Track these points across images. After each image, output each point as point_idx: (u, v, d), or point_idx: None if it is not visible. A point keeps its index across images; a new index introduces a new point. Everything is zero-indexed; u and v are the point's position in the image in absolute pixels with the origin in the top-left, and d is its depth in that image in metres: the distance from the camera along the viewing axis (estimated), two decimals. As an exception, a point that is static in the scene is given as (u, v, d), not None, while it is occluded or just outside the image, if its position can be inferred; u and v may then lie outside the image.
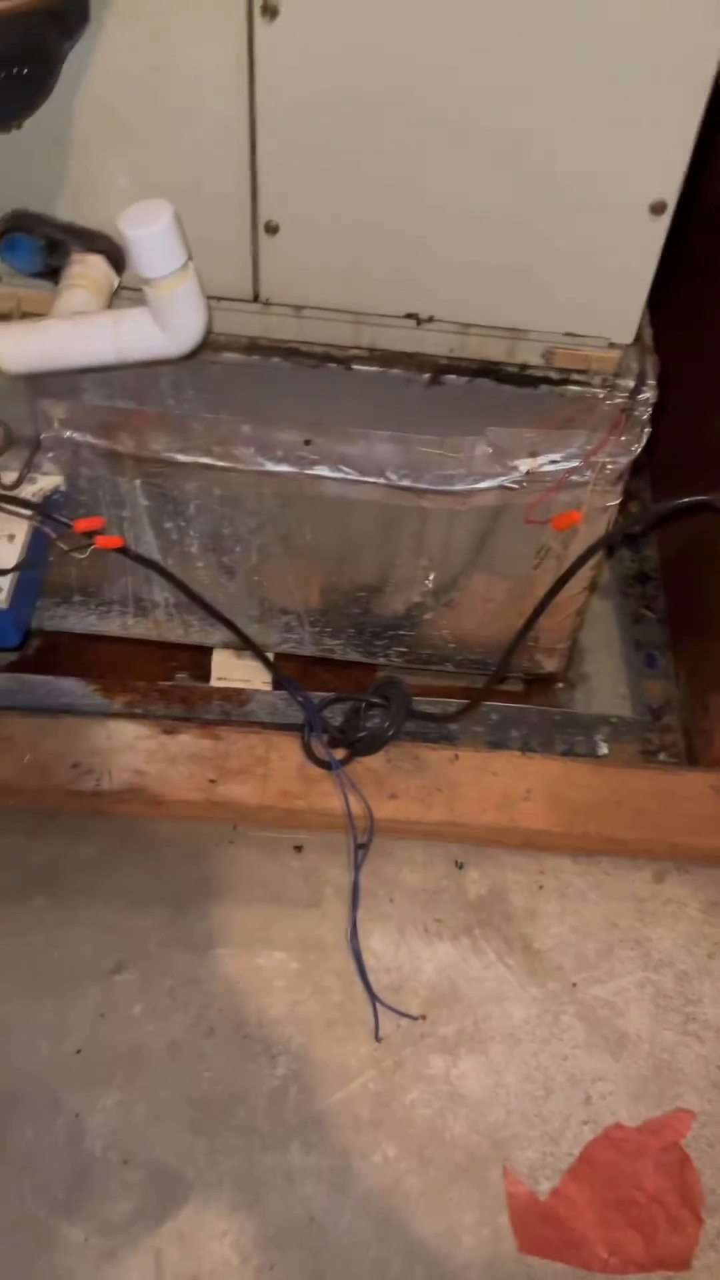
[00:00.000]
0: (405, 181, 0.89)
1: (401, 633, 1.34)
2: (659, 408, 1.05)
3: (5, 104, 0.75)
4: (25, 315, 1.00)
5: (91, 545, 1.04)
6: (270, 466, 1.10)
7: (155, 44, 0.82)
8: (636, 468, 1.13)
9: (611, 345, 0.99)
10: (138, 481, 1.15)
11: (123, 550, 1.08)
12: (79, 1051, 1.13)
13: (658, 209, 0.88)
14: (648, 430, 1.06)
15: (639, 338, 1.00)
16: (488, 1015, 1.17)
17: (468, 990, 1.19)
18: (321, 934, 1.21)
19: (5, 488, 1.08)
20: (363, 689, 1.30)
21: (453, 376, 1.03)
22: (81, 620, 1.36)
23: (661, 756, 1.40)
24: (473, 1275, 1.04)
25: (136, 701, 1.35)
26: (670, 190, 0.87)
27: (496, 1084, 1.13)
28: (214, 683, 1.40)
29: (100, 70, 0.83)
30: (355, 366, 1.03)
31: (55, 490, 1.15)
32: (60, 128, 0.87)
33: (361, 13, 0.79)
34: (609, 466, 1.08)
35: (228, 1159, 1.08)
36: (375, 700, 1.27)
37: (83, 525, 1.03)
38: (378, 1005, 1.16)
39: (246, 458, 1.10)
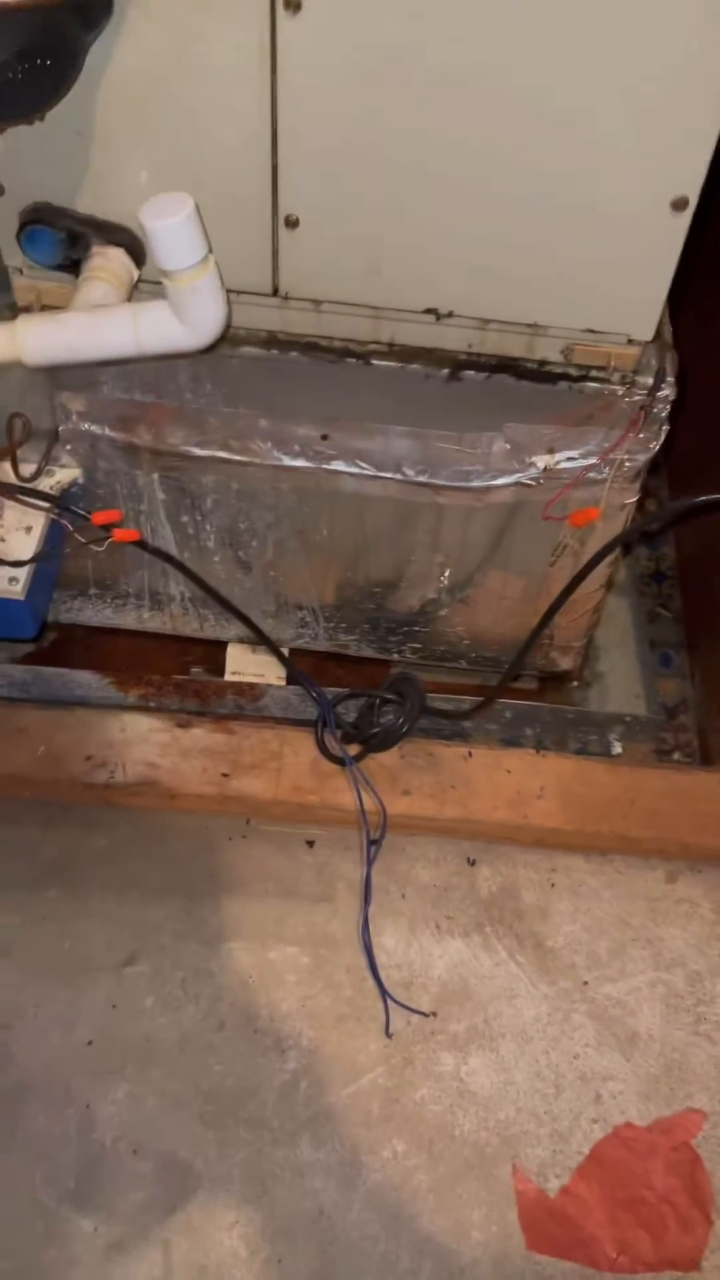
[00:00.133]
0: (426, 176, 0.89)
1: (416, 629, 1.34)
2: (678, 405, 1.04)
3: (28, 96, 0.75)
4: (45, 308, 1.00)
5: (109, 538, 1.05)
6: (287, 461, 1.10)
7: (177, 37, 0.82)
8: (654, 466, 1.13)
9: (631, 342, 0.99)
10: (155, 475, 1.16)
11: (140, 544, 1.08)
12: (90, 1042, 1.13)
13: (679, 205, 0.88)
14: (666, 428, 1.06)
15: (659, 334, 1.00)
16: (498, 1013, 1.17)
17: (478, 987, 1.19)
18: (333, 929, 1.21)
19: (23, 480, 1.08)
20: (377, 685, 1.29)
21: (471, 372, 1.03)
22: (97, 613, 1.36)
23: (676, 756, 1.39)
24: (481, 1272, 1.04)
25: (151, 695, 1.36)
26: (692, 186, 0.87)
27: (506, 1081, 1.13)
28: (228, 677, 1.40)
29: (122, 63, 0.83)
30: (374, 361, 1.03)
31: (73, 483, 1.15)
32: (82, 121, 0.87)
33: (384, 7, 0.79)
34: (627, 464, 1.08)
35: (237, 1151, 1.08)
36: (389, 696, 1.27)
37: (100, 518, 1.04)
38: (388, 1001, 1.16)
39: (264, 452, 1.10)
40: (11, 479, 1.07)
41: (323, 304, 0.99)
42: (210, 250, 0.85)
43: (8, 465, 1.07)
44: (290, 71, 0.83)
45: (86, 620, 1.37)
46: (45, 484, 1.12)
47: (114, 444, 1.12)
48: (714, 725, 1.38)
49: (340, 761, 1.24)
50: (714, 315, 1.39)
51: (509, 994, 1.18)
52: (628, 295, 0.95)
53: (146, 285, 0.97)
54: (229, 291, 0.95)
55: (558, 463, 1.08)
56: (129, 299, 0.95)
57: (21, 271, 0.99)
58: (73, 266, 0.95)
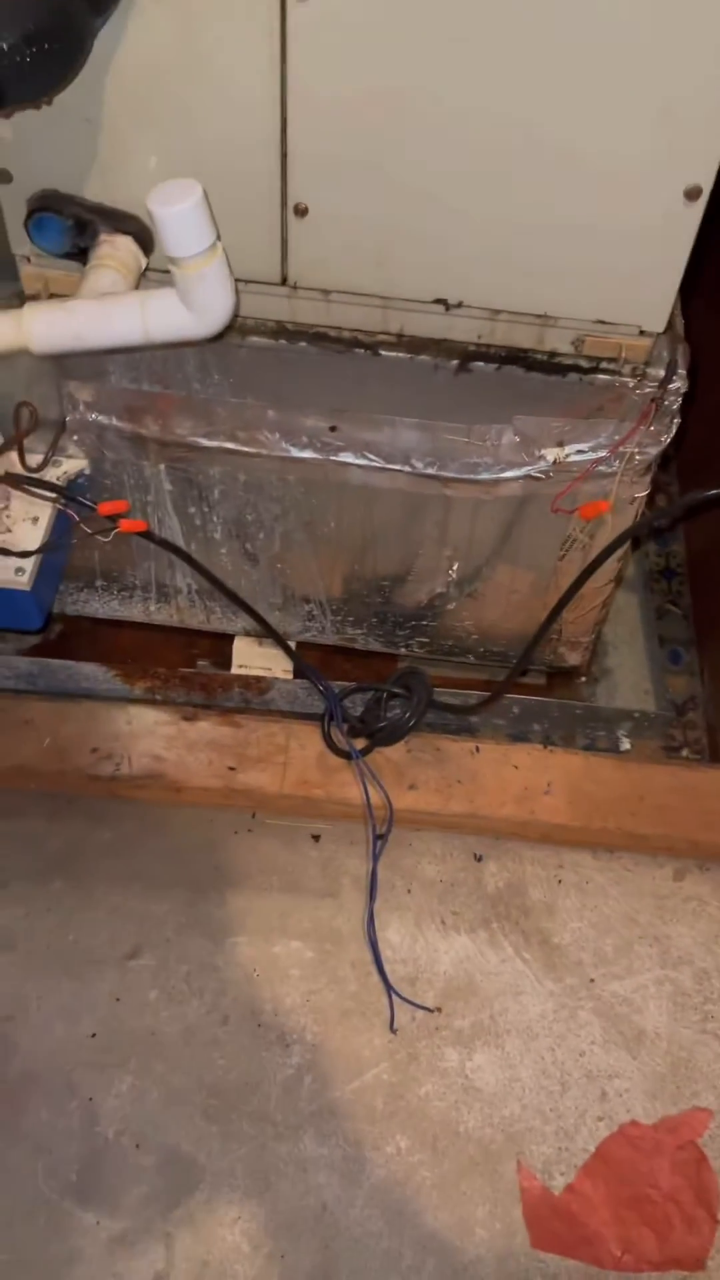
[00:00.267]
0: (437, 164, 0.88)
1: (424, 623, 1.33)
2: (689, 398, 1.03)
3: (35, 81, 0.74)
4: (53, 296, 1.00)
5: (115, 529, 1.04)
6: (295, 452, 1.10)
7: (186, 22, 0.81)
8: (665, 460, 1.12)
9: (642, 333, 0.98)
10: (162, 466, 1.15)
11: (147, 534, 1.08)
12: (94, 1035, 1.13)
13: (693, 194, 0.87)
14: (677, 421, 1.05)
15: (670, 326, 0.99)
16: (504, 1009, 1.16)
17: (484, 984, 1.18)
18: (338, 924, 1.20)
19: (30, 470, 1.08)
20: (384, 679, 1.29)
21: (481, 363, 1.02)
22: (103, 605, 1.36)
23: (684, 753, 1.39)
24: (485, 1269, 1.03)
25: (157, 687, 1.35)
26: (706, 176, 0.86)
27: (511, 1078, 1.13)
28: (235, 670, 1.39)
29: (131, 49, 0.83)
30: (383, 352, 1.02)
31: (80, 474, 1.15)
32: (90, 107, 0.86)
33: (396, -8, 0.78)
34: (637, 457, 1.07)
35: (240, 1146, 1.08)
36: (396, 690, 1.26)
37: (107, 508, 1.03)
38: (393, 996, 1.15)
39: (271, 443, 1.09)
40: (18, 469, 1.07)
41: (331, 293, 0.98)
42: (218, 237, 0.85)
43: (14, 455, 1.07)
44: (300, 57, 0.82)
45: (93, 612, 1.37)
46: (52, 474, 1.12)
47: (121, 434, 1.11)
48: (723, 722, 1.37)
49: (347, 755, 1.24)
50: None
51: (515, 990, 1.18)
52: (639, 286, 0.95)
53: (154, 274, 0.97)
54: (237, 280, 0.94)
55: (567, 456, 1.07)
56: (137, 287, 0.94)
57: (29, 259, 0.98)
58: (80, 255, 0.94)
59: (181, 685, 1.36)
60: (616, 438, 1.06)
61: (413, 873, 1.24)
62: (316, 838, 1.27)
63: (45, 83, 0.76)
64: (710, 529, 1.50)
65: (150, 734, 1.26)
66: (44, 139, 0.89)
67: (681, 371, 1.01)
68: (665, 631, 1.50)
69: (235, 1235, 1.04)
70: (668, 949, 1.21)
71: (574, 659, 1.37)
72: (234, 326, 1.00)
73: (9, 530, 1.08)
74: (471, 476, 1.10)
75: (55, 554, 1.12)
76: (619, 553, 1.12)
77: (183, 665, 1.40)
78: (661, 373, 1.01)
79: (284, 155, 0.88)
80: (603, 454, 1.06)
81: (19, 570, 1.07)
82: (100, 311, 0.88)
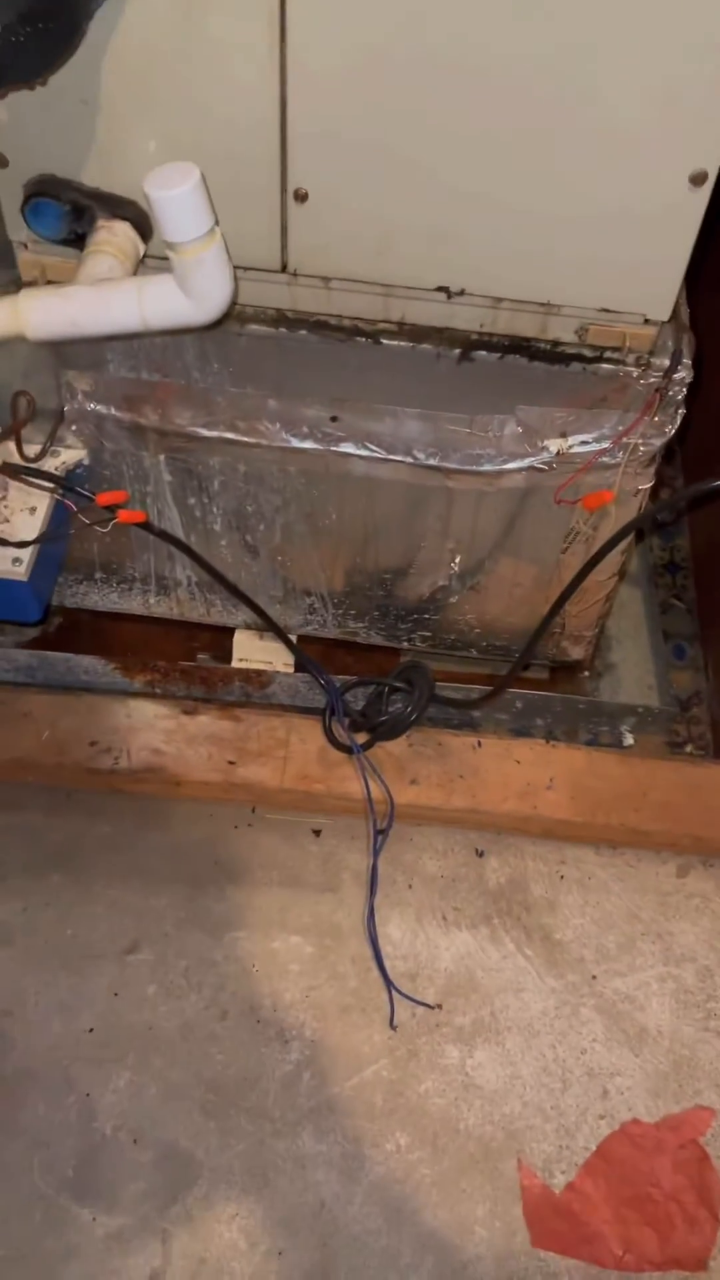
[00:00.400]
0: (439, 149, 0.87)
1: (426, 617, 1.32)
2: (694, 388, 1.02)
3: (30, 60, 0.73)
4: (50, 284, 0.98)
5: (114, 519, 1.03)
6: (295, 443, 1.08)
7: (185, 3, 0.80)
8: (669, 453, 1.11)
9: (647, 321, 0.97)
10: (161, 456, 1.14)
11: (145, 525, 1.06)
12: (91, 1030, 1.12)
13: (698, 180, 0.85)
14: (682, 411, 1.04)
15: (675, 315, 0.98)
16: (505, 1006, 1.15)
17: (485, 980, 1.17)
18: (338, 919, 1.19)
19: (28, 460, 1.07)
20: (386, 673, 1.28)
21: (483, 352, 1.01)
22: (103, 598, 1.35)
23: (688, 749, 1.37)
24: (484, 1268, 1.02)
25: (157, 681, 1.34)
26: (712, 160, 0.84)
27: (512, 1075, 1.12)
28: (235, 664, 1.38)
29: (128, 29, 0.81)
30: (384, 341, 1.01)
31: (78, 464, 1.14)
32: (87, 89, 0.85)
33: (397, -28, 0.77)
34: (641, 448, 1.06)
35: (239, 1142, 1.07)
36: (398, 685, 1.25)
37: (105, 499, 1.02)
38: (393, 992, 1.15)
39: (271, 433, 1.08)
40: (16, 459, 1.06)
41: (332, 281, 0.97)
42: (216, 222, 0.84)
43: (12, 445, 1.06)
44: (300, 39, 0.81)
45: (92, 605, 1.36)
46: (50, 464, 1.11)
47: (120, 424, 1.10)
48: (728, 717, 1.36)
49: (348, 750, 1.23)
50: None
51: (516, 987, 1.17)
52: (644, 273, 0.93)
53: (153, 260, 0.95)
54: (236, 268, 0.93)
55: (570, 447, 1.06)
56: (135, 274, 0.93)
57: (26, 246, 0.97)
58: (78, 241, 0.93)
59: (181, 679, 1.35)
60: (620, 429, 1.04)
61: (414, 868, 1.24)
62: (317, 832, 1.26)
63: (40, 63, 0.75)
64: (715, 523, 1.49)
65: (150, 727, 1.25)
66: (40, 122, 0.88)
67: (686, 361, 1.00)
68: (669, 626, 1.48)
69: (233, 1232, 1.03)
70: (670, 946, 1.20)
71: (577, 653, 1.36)
72: (233, 314, 0.99)
73: (6, 520, 1.07)
74: (474, 468, 1.09)
75: (53, 545, 1.12)
76: (622, 545, 1.11)
77: (183, 658, 1.39)
78: (666, 362, 1.00)
79: (284, 139, 0.87)
80: (606, 445, 1.05)
81: (16, 561, 1.06)
82: (97, 298, 0.87)
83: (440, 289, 0.97)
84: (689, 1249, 1.04)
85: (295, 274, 0.97)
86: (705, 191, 0.87)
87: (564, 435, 1.06)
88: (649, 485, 1.11)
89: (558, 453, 1.06)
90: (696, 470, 1.56)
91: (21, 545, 1.06)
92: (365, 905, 1.19)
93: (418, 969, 1.17)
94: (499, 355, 1.01)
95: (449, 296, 0.97)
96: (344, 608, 1.32)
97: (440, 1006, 1.15)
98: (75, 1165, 1.05)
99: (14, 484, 1.07)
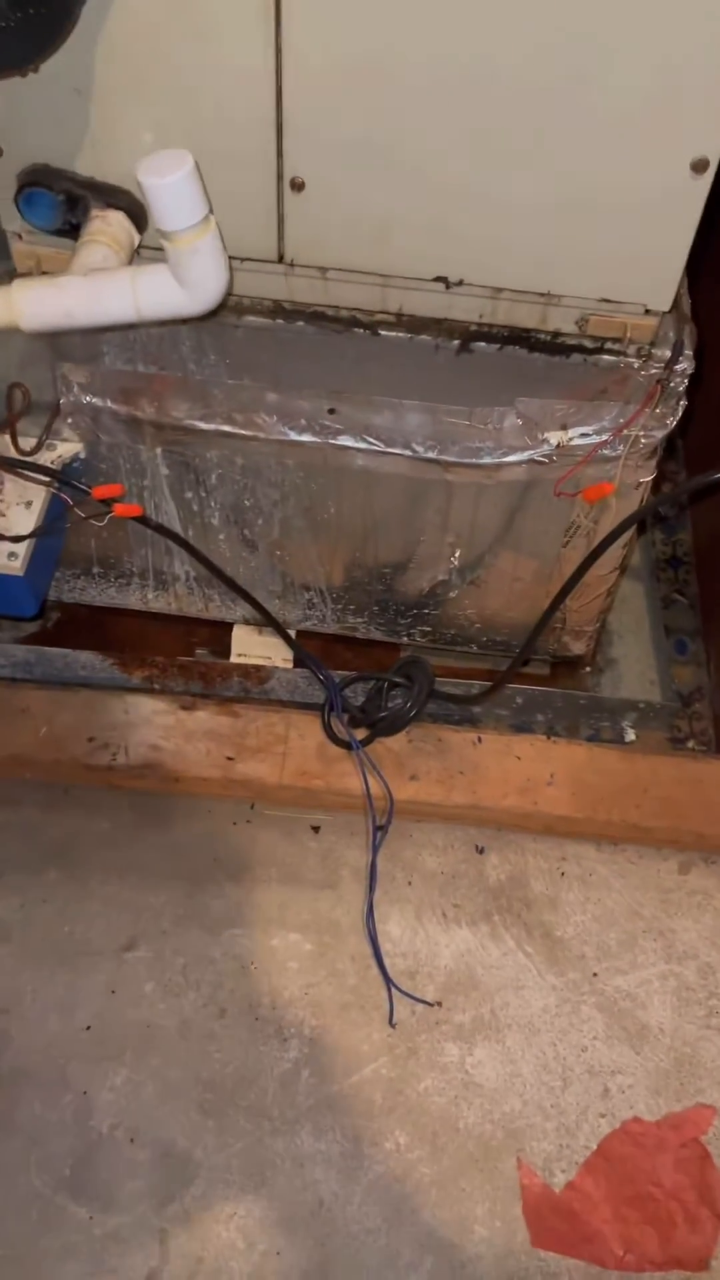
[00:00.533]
0: (436, 137, 0.85)
1: (426, 611, 1.31)
2: (695, 380, 1.01)
3: (21, 46, 0.72)
4: (45, 274, 0.97)
5: (110, 513, 1.02)
6: (293, 436, 1.07)
7: (178, -11, 0.79)
8: (671, 446, 1.10)
9: (648, 312, 0.96)
10: (158, 449, 1.13)
11: (141, 519, 1.06)
12: (89, 1028, 1.12)
13: (699, 167, 0.84)
14: (683, 403, 1.02)
15: (676, 305, 0.97)
16: (505, 1003, 1.15)
17: (485, 977, 1.16)
18: (337, 916, 1.19)
19: (23, 453, 1.06)
20: (385, 668, 1.27)
21: (482, 344, 1.00)
22: (101, 593, 1.34)
23: (690, 744, 1.36)
24: (484, 1268, 1.01)
25: (155, 676, 1.34)
26: (713, 147, 0.83)
27: (512, 1073, 1.11)
28: (234, 659, 1.38)
29: (121, 16, 0.80)
30: (382, 332, 1.00)
31: (74, 457, 1.13)
32: (80, 77, 0.84)
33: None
34: (642, 440, 1.04)
35: (237, 1141, 1.06)
36: (398, 680, 1.24)
37: (101, 492, 1.01)
38: (393, 990, 1.14)
39: (269, 426, 1.07)
40: (11, 452, 1.05)
41: (329, 271, 0.96)
42: (211, 210, 0.83)
43: (7, 438, 1.05)
44: (295, 25, 0.80)
45: (90, 600, 1.35)
46: (46, 458, 1.10)
47: (116, 417, 1.09)
48: (730, 713, 1.35)
49: (347, 746, 1.22)
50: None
51: (516, 984, 1.16)
52: (645, 263, 0.92)
53: (149, 251, 0.95)
54: (233, 258, 0.92)
55: (571, 439, 1.05)
56: (130, 264, 0.92)
57: (20, 236, 0.96)
58: (73, 231, 0.92)
59: (180, 674, 1.34)
60: (621, 420, 1.03)
61: (413, 864, 1.23)
62: (316, 829, 1.25)
63: (31, 49, 0.74)
64: (718, 516, 1.47)
65: (148, 723, 1.24)
66: (34, 112, 0.87)
67: (688, 352, 0.99)
68: (671, 621, 1.47)
69: (230, 1231, 1.02)
70: (672, 943, 1.19)
71: (578, 648, 1.35)
72: (229, 305, 0.98)
73: (2, 515, 1.07)
74: (473, 460, 1.08)
75: (49, 539, 1.11)
76: (623, 539, 1.10)
77: (181, 654, 1.38)
78: (667, 353, 0.99)
79: (280, 127, 0.86)
80: (607, 437, 1.04)
81: (12, 555, 1.06)
82: (90, 288, 0.86)
83: (439, 279, 0.96)
84: (690, 1248, 1.03)
85: (292, 264, 0.96)
86: (706, 179, 0.85)
87: (564, 427, 1.04)
88: (650, 478, 1.10)
89: (558, 445, 1.05)
90: (699, 463, 1.55)
91: (17, 540, 1.05)
92: (364, 902, 1.18)
93: (417, 966, 1.16)
94: (498, 346, 1.00)
95: (447, 287, 0.96)
96: (343, 602, 1.31)
97: (440, 1004, 1.14)
98: (72, 1164, 1.05)
99: (9, 478, 1.07)
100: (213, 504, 1.19)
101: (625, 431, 1.04)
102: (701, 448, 1.51)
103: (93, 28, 0.81)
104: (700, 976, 1.17)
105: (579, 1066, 1.11)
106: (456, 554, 1.22)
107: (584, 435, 1.05)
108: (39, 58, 0.76)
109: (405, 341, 1.00)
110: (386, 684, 1.24)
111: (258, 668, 1.35)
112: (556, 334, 0.99)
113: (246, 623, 1.38)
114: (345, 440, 1.08)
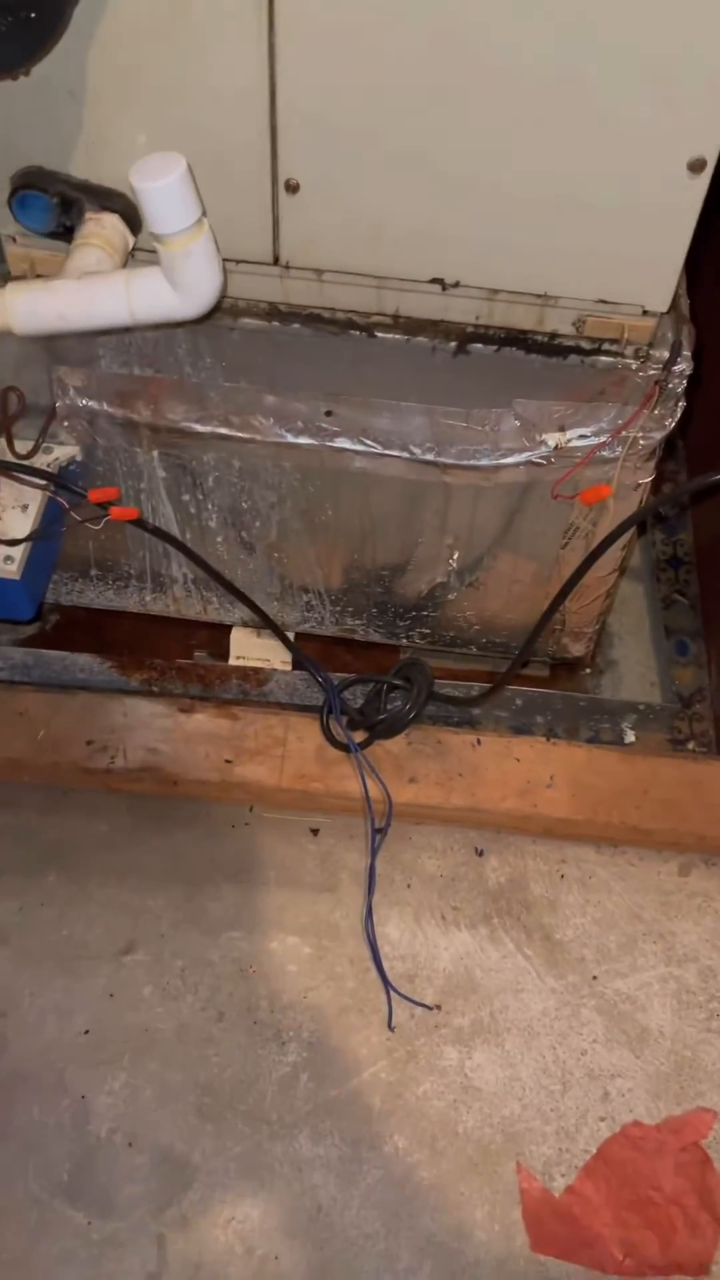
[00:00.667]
0: (432, 138, 0.85)
1: (424, 614, 1.31)
2: (694, 381, 1.00)
3: (12, 50, 0.72)
4: (39, 277, 0.97)
5: (106, 516, 1.02)
6: (290, 438, 1.07)
7: (172, -9, 0.79)
8: (671, 448, 1.09)
9: (646, 313, 0.95)
10: (155, 452, 1.13)
11: (138, 522, 1.05)
12: (87, 1032, 1.11)
13: (696, 167, 0.84)
14: (682, 404, 1.02)
15: (674, 306, 0.96)
16: (504, 1006, 1.14)
17: (484, 980, 1.16)
18: (336, 919, 1.18)
19: (20, 457, 1.06)
20: (384, 670, 1.27)
21: (479, 345, 0.99)
22: (99, 595, 1.34)
23: (690, 746, 1.36)
24: (483, 1272, 1.01)
25: (153, 679, 1.33)
26: (711, 147, 0.83)
27: (512, 1077, 1.10)
28: (232, 661, 1.37)
29: (114, 18, 0.80)
30: (378, 334, 0.99)
31: (71, 460, 1.13)
32: (74, 80, 0.84)
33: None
34: (641, 442, 1.04)
35: (235, 1145, 1.06)
36: (397, 682, 1.24)
37: (97, 495, 1.01)
38: (392, 993, 1.13)
39: (265, 429, 1.07)
40: (7, 456, 1.05)
41: (325, 273, 0.96)
42: (204, 213, 0.82)
43: (3, 442, 1.05)
44: (288, 25, 0.79)
45: (88, 602, 1.35)
46: (42, 461, 1.10)
47: (112, 420, 1.09)
48: (731, 714, 1.35)
49: (346, 748, 1.21)
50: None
51: (516, 987, 1.15)
52: (642, 263, 0.91)
53: (143, 254, 0.94)
54: (227, 260, 0.92)
55: (569, 441, 1.04)
56: (124, 267, 0.92)
57: (14, 239, 0.96)
58: (67, 234, 0.92)
59: (178, 677, 1.34)
60: (619, 422, 1.03)
61: (412, 867, 1.22)
62: (315, 831, 1.24)
63: (22, 53, 0.74)
64: (718, 517, 1.47)
65: (146, 726, 1.24)
66: (27, 114, 0.86)
67: (686, 353, 0.98)
68: (672, 622, 1.47)
69: (229, 1236, 1.02)
70: (672, 946, 1.19)
71: (578, 650, 1.34)
72: (225, 308, 0.98)
73: (-2, 518, 1.06)
74: (471, 462, 1.07)
75: (46, 543, 1.10)
76: (622, 540, 1.10)
77: (179, 656, 1.38)
78: (665, 354, 0.98)
79: (273, 129, 0.85)
80: (605, 439, 1.03)
81: (8, 559, 1.05)
82: (84, 291, 0.86)
83: (435, 281, 0.95)
84: (690, 1253, 1.02)
85: (287, 266, 0.96)
86: (704, 179, 0.85)
87: (562, 429, 1.04)
88: (649, 479, 1.09)
89: (556, 447, 1.05)
90: (699, 464, 1.54)
91: (13, 543, 1.05)
92: (363, 905, 1.18)
93: (416, 969, 1.16)
94: (495, 348, 0.99)
95: (444, 288, 0.96)
96: (342, 605, 1.31)
97: (439, 1007, 1.14)
98: (70, 1169, 1.05)
99: (5, 481, 1.06)
100: (210, 507, 1.19)
101: (623, 433, 1.03)
102: (702, 448, 1.51)
103: (86, 30, 0.80)
104: (701, 979, 1.17)
105: (579, 1070, 1.11)
106: (455, 556, 1.21)
107: (582, 437, 1.04)
108: (30, 62, 0.76)
109: (402, 343, 1.00)
110: (385, 686, 1.24)
111: (256, 670, 1.34)
112: (554, 335, 0.99)
113: (245, 625, 1.37)
114: (342, 442, 1.07)
